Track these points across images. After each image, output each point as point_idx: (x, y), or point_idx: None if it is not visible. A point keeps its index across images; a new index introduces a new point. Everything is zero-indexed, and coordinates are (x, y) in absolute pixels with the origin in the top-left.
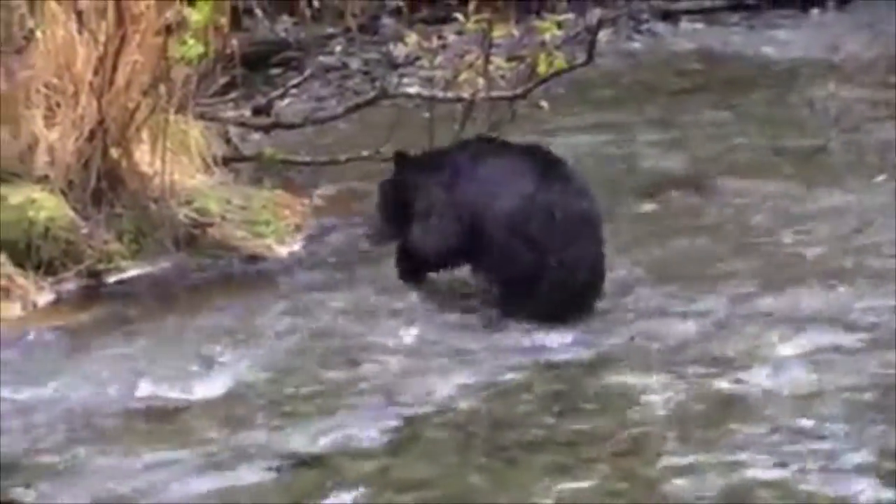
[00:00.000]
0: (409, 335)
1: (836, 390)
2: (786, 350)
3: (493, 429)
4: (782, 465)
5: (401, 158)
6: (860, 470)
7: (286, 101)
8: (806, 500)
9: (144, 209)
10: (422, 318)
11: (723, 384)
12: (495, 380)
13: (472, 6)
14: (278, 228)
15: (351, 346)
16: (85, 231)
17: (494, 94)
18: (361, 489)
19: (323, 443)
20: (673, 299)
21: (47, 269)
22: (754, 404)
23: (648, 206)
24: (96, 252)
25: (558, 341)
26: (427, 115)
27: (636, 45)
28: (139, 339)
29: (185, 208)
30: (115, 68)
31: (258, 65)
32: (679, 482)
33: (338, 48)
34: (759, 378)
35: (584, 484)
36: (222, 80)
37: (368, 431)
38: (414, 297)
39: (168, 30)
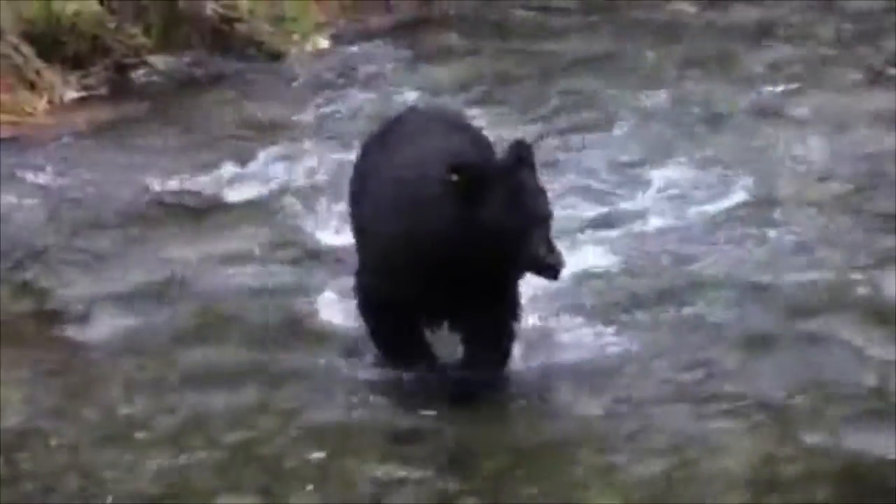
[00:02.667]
0: None
1: None
2: None
3: None
4: None
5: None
6: None
7: None
8: None
9: (171, 3)
10: None
11: None
12: None
13: None
14: (305, 26)
15: None
16: (112, 24)
17: None
18: None
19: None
20: None
21: (74, 63)
22: None
23: None
24: (123, 46)
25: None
26: None
27: None
28: (166, 134)
29: (213, 3)
30: None
31: None
32: None
33: None
34: None
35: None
36: None
37: None
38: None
39: None
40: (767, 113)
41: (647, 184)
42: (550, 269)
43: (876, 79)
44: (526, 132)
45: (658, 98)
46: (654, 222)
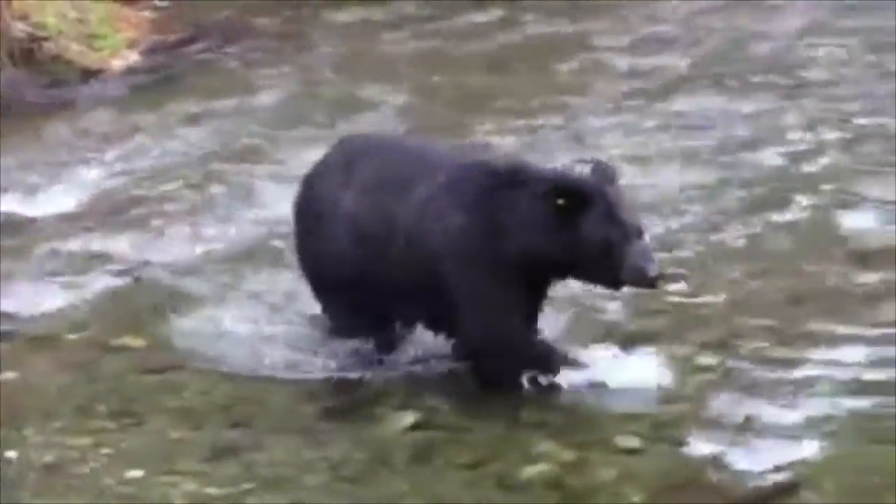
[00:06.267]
0: None
1: None
2: None
3: None
4: None
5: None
6: None
7: None
8: None
9: None
10: None
11: None
12: None
13: None
14: (115, 42)
15: (197, 154)
16: None
17: None
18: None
19: (173, 250)
20: None
21: None
22: None
23: None
24: None
25: None
26: None
27: None
28: None
29: (21, 23)
30: None
31: None
32: None
33: None
34: None
35: None
36: None
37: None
38: None
39: None
40: None
41: None
42: (651, 279)
43: None
44: None
45: None
46: None
